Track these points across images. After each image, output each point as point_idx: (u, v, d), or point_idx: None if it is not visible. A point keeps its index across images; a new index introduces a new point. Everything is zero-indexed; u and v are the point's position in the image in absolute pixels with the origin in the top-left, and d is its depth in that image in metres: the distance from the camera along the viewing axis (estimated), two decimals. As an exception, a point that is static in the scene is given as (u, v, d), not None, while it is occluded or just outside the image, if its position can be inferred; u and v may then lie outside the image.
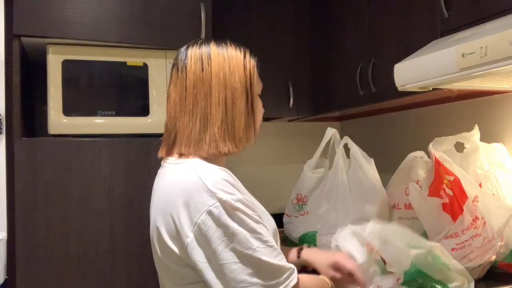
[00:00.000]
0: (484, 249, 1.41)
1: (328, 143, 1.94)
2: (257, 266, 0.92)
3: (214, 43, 1.09)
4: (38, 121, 2.08)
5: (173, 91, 1.10)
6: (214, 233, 0.91)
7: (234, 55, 1.07)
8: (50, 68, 1.80)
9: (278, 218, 1.35)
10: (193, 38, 1.92)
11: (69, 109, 1.81)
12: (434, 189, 1.53)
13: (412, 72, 1.48)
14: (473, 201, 1.43)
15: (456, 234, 1.43)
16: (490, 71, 1.22)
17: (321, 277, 1.15)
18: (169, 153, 1.07)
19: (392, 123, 2.45)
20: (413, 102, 2.18)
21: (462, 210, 1.42)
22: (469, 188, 1.43)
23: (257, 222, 0.95)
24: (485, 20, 1.39)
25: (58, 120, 1.79)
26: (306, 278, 1.06)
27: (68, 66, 1.82)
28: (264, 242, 0.94)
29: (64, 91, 1.80)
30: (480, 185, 1.51)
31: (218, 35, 2.09)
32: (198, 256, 0.92)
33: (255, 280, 0.91)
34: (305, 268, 1.28)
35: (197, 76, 1.05)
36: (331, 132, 1.93)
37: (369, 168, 1.78)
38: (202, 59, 1.06)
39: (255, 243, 0.92)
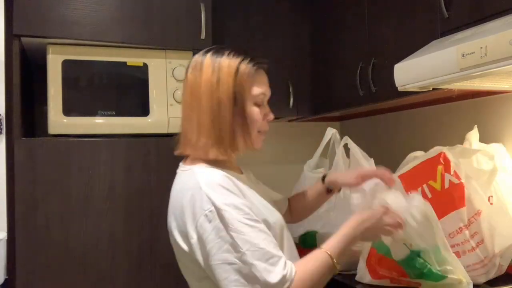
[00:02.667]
0: (487, 268, 1.43)
1: (328, 143, 1.94)
2: (247, 269, 0.95)
3: (212, 52, 1.12)
4: (38, 121, 2.08)
5: (182, 95, 1.17)
6: (209, 236, 0.98)
7: (226, 65, 1.09)
8: (50, 68, 1.80)
9: (278, 218, 1.36)
10: (193, 38, 1.96)
11: (69, 109, 1.81)
12: (413, 185, 1.51)
13: (412, 72, 1.48)
14: (475, 214, 1.43)
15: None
16: (490, 71, 1.22)
17: (320, 251, 1.06)
18: (178, 151, 1.15)
19: (392, 123, 2.45)
20: (413, 102, 2.18)
21: (447, 213, 1.42)
22: (474, 200, 1.43)
23: (250, 225, 0.99)
24: (485, 20, 1.39)
25: (58, 120, 1.79)
26: (303, 264, 1.03)
27: (68, 66, 1.82)
28: (254, 245, 0.97)
29: (64, 91, 1.80)
30: (489, 200, 1.50)
31: (218, 35, 2.10)
32: (200, 255, 1.00)
33: (244, 282, 0.95)
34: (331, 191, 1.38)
35: (192, 85, 1.11)
36: (331, 132, 1.94)
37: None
38: (196, 68, 1.11)
39: (244, 246, 0.96)
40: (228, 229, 0.97)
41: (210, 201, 0.99)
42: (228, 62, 1.09)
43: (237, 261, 0.95)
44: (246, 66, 1.10)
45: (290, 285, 0.96)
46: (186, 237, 1.03)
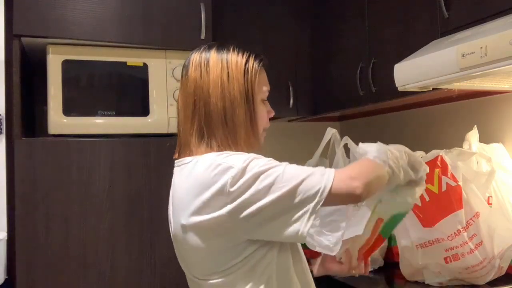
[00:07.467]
0: (486, 270, 1.43)
1: (328, 143, 1.94)
2: (290, 197, 0.93)
3: (216, 49, 1.08)
4: (38, 121, 2.08)
5: (179, 96, 1.11)
6: (245, 194, 0.93)
7: (234, 62, 1.06)
8: (50, 68, 1.79)
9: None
10: (193, 38, 1.96)
11: (69, 109, 1.81)
12: None
13: (412, 72, 1.48)
14: (473, 216, 1.43)
15: (442, 239, 1.44)
16: (490, 71, 1.22)
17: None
18: (180, 155, 1.09)
19: (392, 123, 2.45)
20: (413, 102, 2.18)
21: (445, 216, 1.43)
22: (473, 202, 1.44)
23: (269, 163, 0.96)
24: (485, 20, 1.39)
25: (58, 120, 1.79)
26: (344, 168, 1.03)
27: (68, 66, 1.82)
28: (282, 175, 0.94)
29: (64, 91, 1.80)
30: (488, 200, 1.51)
31: (218, 35, 2.10)
32: (246, 222, 0.94)
33: (301, 211, 0.93)
34: None
35: (196, 83, 1.05)
36: (331, 132, 1.93)
37: (369, 168, 1.78)
38: (201, 66, 1.06)
39: (278, 182, 0.93)
40: (257, 182, 0.93)
41: (230, 167, 0.94)
42: (235, 59, 1.06)
43: (278, 194, 0.93)
44: (253, 63, 1.08)
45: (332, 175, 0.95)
46: (218, 217, 0.95)
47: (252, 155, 0.98)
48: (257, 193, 0.93)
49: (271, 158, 0.99)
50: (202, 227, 0.98)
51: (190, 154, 1.05)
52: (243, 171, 0.94)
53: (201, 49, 1.09)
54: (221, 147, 1.03)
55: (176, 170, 1.10)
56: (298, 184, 0.94)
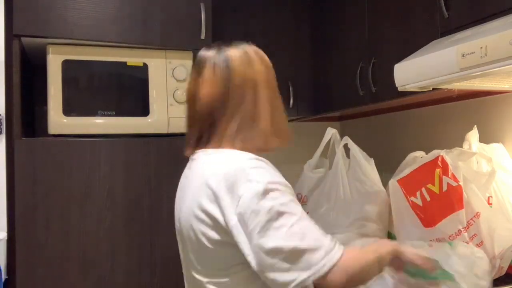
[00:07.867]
0: None
1: (328, 143, 1.94)
2: (286, 256, 0.91)
3: (246, 44, 1.13)
4: (38, 121, 2.08)
5: (209, 91, 1.08)
6: (250, 216, 0.92)
7: (262, 54, 1.12)
8: (50, 68, 1.80)
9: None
10: (193, 38, 1.96)
11: (69, 109, 1.81)
12: (412, 189, 1.53)
13: (412, 72, 1.48)
14: (474, 216, 1.43)
15: (443, 239, 1.44)
16: (490, 71, 1.22)
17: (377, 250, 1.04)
18: (206, 146, 1.08)
19: (392, 123, 2.45)
20: (413, 102, 2.18)
21: (446, 216, 1.43)
22: (473, 202, 1.44)
23: (288, 205, 0.94)
24: (485, 20, 1.39)
25: (58, 120, 1.79)
26: (356, 252, 1.02)
27: (68, 66, 1.82)
28: (290, 226, 0.92)
29: (64, 91, 1.80)
30: (488, 200, 1.51)
31: (218, 35, 2.10)
32: (241, 236, 0.93)
33: (291, 275, 0.91)
34: None
35: (246, 75, 1.07)
36: (331, 132, 1.94)
37: (369, 168, 1.78)
38: (242, 59, 1.09)
39: (282, 227, 0.91)
40: (267, 209, 0.92)
41: (253, 180, 0.94)
42: (262, 53, 1.12)
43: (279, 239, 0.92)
44: (267, 58, 1.13)
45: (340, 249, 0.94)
46: (223, 218, 0.95)
47: (283, 181, 0.97)
48: (261, 228, 0.91)
49: (295, 197, 0.98)
50: (205, 220, 0.97)
51: (220, 146, 1.05)
52: (264, 193, 0.93)
53: (233, 45, 1.11)
54: (267, 136, 1.06)
55: (200, 156, 1.07)
56: (300, 250, 0.91)
